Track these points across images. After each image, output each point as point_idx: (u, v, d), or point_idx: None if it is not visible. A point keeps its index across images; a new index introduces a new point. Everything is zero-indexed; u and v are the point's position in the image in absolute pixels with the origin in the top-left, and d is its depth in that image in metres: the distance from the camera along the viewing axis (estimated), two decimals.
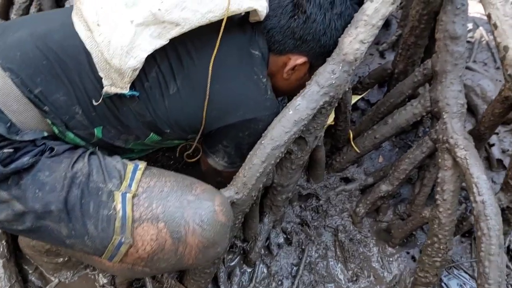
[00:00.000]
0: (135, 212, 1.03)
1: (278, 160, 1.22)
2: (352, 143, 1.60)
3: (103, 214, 1.02)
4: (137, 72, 1.04)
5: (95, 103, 1.07)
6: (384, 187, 1.56)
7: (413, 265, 1.61)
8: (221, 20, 1.06)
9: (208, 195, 1.08)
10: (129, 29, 1.01)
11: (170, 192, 1.06)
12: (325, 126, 1.47)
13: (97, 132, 1.14)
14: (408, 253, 1.64)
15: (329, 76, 1.20)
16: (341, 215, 1.67)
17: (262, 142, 1.20)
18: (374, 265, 1.60)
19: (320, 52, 1.22)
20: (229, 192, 1.23)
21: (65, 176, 1.02)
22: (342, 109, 1.50)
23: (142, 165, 1.11)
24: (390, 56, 2.15)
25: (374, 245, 1.64)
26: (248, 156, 1.23)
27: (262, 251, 1.57)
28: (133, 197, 1.04)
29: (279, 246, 1.59)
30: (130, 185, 1.05)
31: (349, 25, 1.20)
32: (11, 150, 1.00)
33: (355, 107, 1.92)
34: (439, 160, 1.36)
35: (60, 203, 1.00)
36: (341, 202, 1.68)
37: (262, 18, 1.16)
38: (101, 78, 1.05)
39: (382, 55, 2.15)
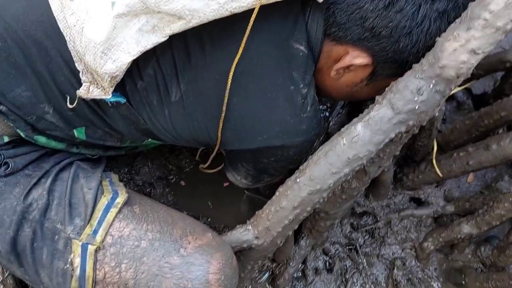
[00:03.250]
0: (98, 271, 0.78)
1: (317, 206, 0.88)
2: (435, 162, 1.19)
3: (58, 267, 0.78)
4: (117, 79, 0.72)
5: (69, 105, 0.79)
6: (467, 229, 1.16)
7: None
8: None
9: (202, 256, 0.79)
10: (106, 19, 0.67)
11: (148, 250, 0.79)
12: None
13: (78, 133, 0.86)
14: None
15: (411, 97, 0.79)
16: (402, 246, 1.31)
17: (298, 180, 0.86)
18: None
19: (393, 58, 0.80)
20: (246, 234, 0.93)
21: (15, 210, 0.77)
22: (427, 125, 1.08)
23: (121, 198, 0.83)
24: None
25: None
26: (277, 193, 0.90)
27: (295, 275, 1.29)
28: (97, 250, 0.78)
29: (317, 271, 1.30)
30: (95, 232, 0.79)
31: (457, 22, 0.75)
32: None
33: (450, 97, 1.45)
34: None
35: (6, 244, 0.77)
36: (405, 229, 1.31)
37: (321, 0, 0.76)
38: (78, 71, 0.75)
39: None
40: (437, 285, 1.29)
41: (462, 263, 1.29)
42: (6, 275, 1.22)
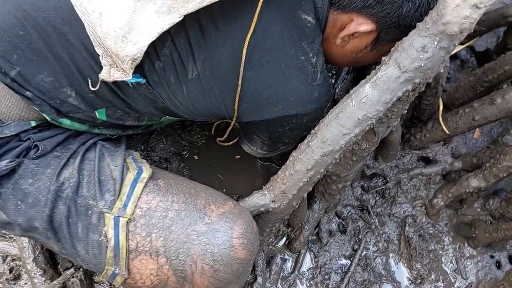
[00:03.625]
0: (130, 241, 0.82)
1: (330, 167, 0.92)
2: (441, 119, 1.22)
3: (93, 239, 0.82)
4: (138, 61, 0.75)
5: (92, 88, 0.82)
6: (475, 183, 1.20)
7: (496, 274, 1.30)
8: None
9: (225, 223, 0.83)
10: (125, 4, 0.70)
11: (175, 220, 0.83)
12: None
13: (99, 114, 0.89)
14: (492, 257, 1.32)
15: (417, 55, 0.81)
16: (413, 204, 1.36)
17: (310, 144, 0.89)
18: (445, 268, 1.32)
19: (396, 23, 0.83)
20: (263, 199, 0.97)
21: (49, 189, 0.81)
22: (432, 84, 1.10)
23: (146, 173, 0.87)
24: None
25: (450, 243, 1.34)
26: (291, 157, 0.94)
27: (310, 238, 1.34)
28: (128, 222, 0.82)
29: (331, 233, 1.35)
30: (125, 206, 0.82)
31: None
32: None
33: (453, 56, 1.47)
34: None
35: (44, 221, 0.81)
36: (414, 188, 1.36)
37: None
38: (97, 54, 0.78)
39: None
40: (448, 239, 1.34)
41: (472, 217, 1.33)
42: (37, 253, 1.28)
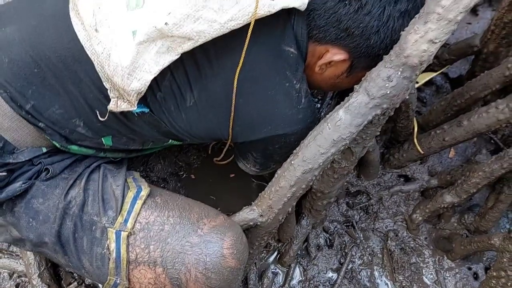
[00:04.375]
0: (130, 253, 0.91)
1: (311, 184, 1.02)
2: (416, 140, 1.33)
3: (97, 252, 0.91)
4: (142, 94, 0.86)
5: (101, 118, 0.92)
6: (449, 198, 1.30)
7: (473, 285, 1.38)
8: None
9: (216, 235, 0.92)
10: (130, 47, 0.81)
11: (171, 232, 0.92)
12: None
13: (106, 141, 1.00)
14: (470, 269, 1.41)
15: (383, 84, 0.92)
16: (394, 219, 1.45)
17: (292, 162, 1.00)
18: (426, 280, 1.40)
19: (366, 53, 0.94)
20: (252, 213, 1.07)
21: (58, 207, 0.91)
22: (403, 108, 1.22)
23: (144, 191, 0.97)
24: (486, 14, 1.73)
25: (430, 256, 1.43)
26: (276, 175, 1.04)
27: (299, 252, 1.43)
28: (129, 235, 0.91)
29: (319, 248, 1.44)
30: (126, 221, 0.92)
31: (416, 17, 0.89)
32: (4, 173, 0.90)
33: (429, 82, 1.59)
34: None
35: (52, 236, 0.91)
36: (395, 204, 1.45)
37: (302, 9, 0.90)
38: (105, 88, 0.89)
39: (474, 10, 1.74)
40: (428, 252, 1.43)
41: (449, 231, 1.42)
42: (43, 269, 1.37)
